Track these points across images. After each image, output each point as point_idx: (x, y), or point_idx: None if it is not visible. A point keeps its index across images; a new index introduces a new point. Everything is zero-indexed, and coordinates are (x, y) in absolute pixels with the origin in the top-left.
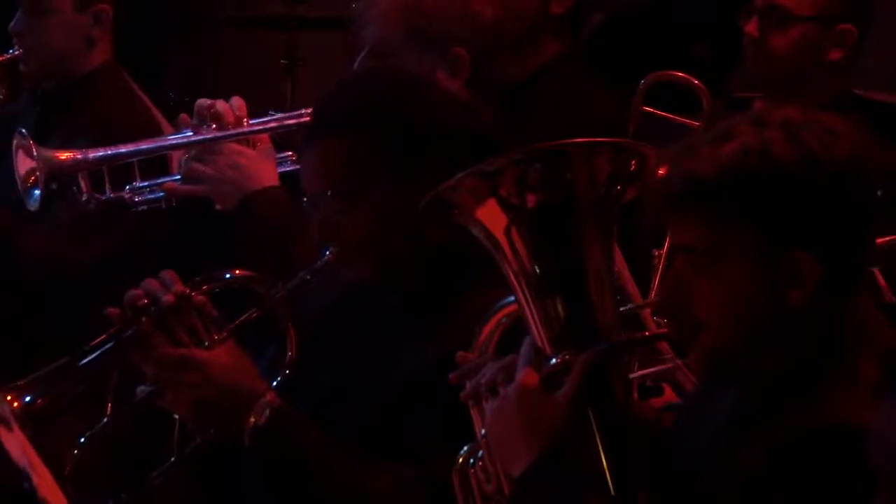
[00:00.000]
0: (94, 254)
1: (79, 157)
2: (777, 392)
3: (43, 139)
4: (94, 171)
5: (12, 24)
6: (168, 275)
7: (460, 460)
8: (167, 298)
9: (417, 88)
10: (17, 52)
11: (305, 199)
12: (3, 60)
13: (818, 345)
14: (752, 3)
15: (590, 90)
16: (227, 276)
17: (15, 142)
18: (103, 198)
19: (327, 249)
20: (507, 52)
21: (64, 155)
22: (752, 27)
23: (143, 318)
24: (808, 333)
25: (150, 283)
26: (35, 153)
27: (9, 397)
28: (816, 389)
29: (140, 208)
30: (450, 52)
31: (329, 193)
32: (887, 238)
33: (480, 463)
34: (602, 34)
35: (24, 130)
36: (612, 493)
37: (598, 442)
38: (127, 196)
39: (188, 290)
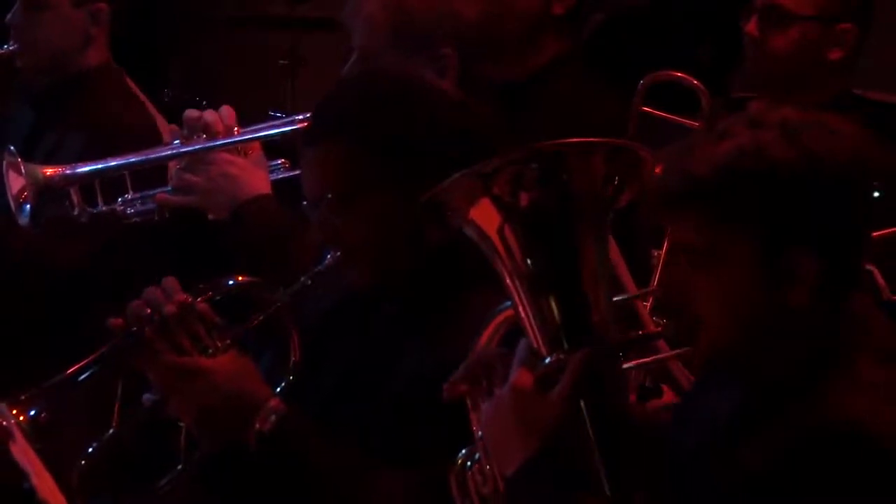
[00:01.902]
0: (83, 248)
1: (67, 171)
2: (777, 391)
3: (38, 138)
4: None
5: (9, 16)
6: (170, 282)
7: (458, 462)
8: (169, 308)
9: (416, 90)
10: (13, 47)
11: (306, 202)
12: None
13: (817, 343)
14: (753, 3)
15: (590, 90)
16: (230, 282)
17: (5, 161)
18: (95, 210)
19: (328, 253)
20: (506, 51)
21: (51, 170)
22: (752, 27)
23: (147, 328)
24: (807, 332)
25: (153, 292)
26: (23, 170)
27: (14, 411)
28: (816, 388)
29: (133, 220)
30: (437, 53)
31: (329, 196)
32: (884, 231)
33: (477, 465)
34: (602, 34)
35: (12, 148)
36: (607, 492)
37: (592, 441)
38: (119, 208)
39: (191, 298)
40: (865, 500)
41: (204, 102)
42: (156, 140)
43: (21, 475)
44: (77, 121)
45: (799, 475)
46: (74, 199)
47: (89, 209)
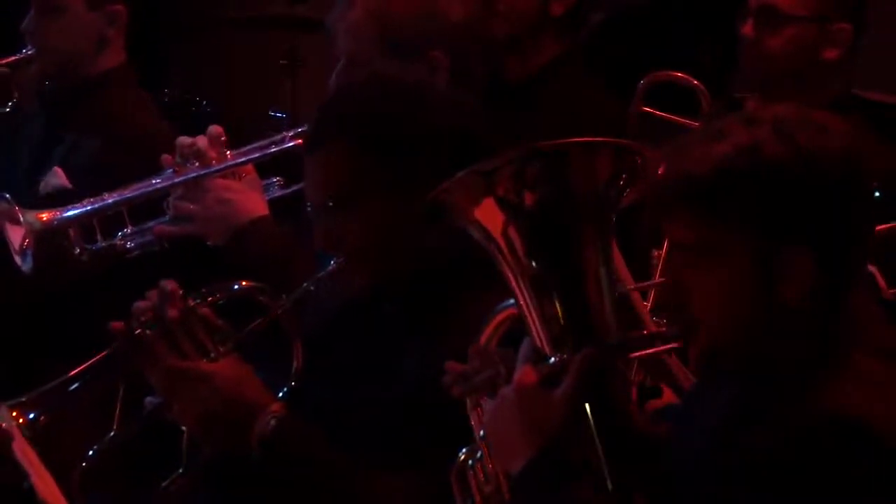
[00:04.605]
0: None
1: (64, 214)
2: (774, 388)
3: (53, 141)
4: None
5: (24, 22)
6: (172, 286)
7: (460, 461)
8: (172, 312)
9: (416, 92)
10: (29, 52)
11: (308, 208)
12: (16, 60)
13: (816, 341)
14: (747, 5)
15: (590, 90)
16: (234, 287)
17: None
18: (95, 248)
19: (331, 258)
20: (502, 51)
21: (46, 215)
22: (747, 28)
23: (149, 332)
24: (804, 329)
25: (155, 296)
26: (21, 218)
27: (14, 413)
28: (815, 385)
29: (133, 254)
30: (425, 57)
31: (330, 202)
32: (886, 225)
33: (479, 464)
34: (602, 34)
35: (8, 196)
36: (610, 490)
37: (595, 440)
38: (119, 243)
39: (193, 302)
40: (865, 495)
41: (204, 102)
42: (167, 142)
43: (21, 475)
44: (92, 124)
45: (799, 472)
46: (72, 238)
47: (89, 246)
